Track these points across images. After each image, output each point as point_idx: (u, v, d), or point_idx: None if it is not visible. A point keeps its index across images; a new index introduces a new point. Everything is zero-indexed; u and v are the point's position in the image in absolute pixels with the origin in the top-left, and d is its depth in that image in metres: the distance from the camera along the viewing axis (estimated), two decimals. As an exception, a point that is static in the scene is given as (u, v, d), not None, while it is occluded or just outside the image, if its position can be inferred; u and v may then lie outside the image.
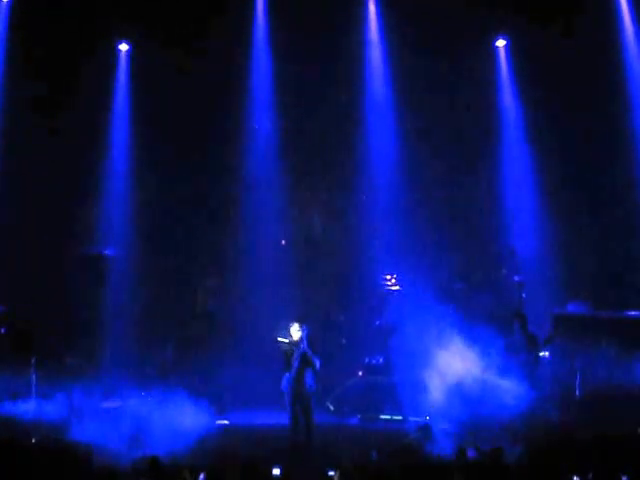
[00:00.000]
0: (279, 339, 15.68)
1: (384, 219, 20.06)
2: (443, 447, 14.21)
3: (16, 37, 19.80)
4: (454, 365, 17.21)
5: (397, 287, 19.75)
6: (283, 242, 20.68)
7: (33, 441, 14.94)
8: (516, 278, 19.40)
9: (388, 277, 19.84)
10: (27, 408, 17.23)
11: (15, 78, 19.76)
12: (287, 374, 15.60)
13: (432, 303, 18.15)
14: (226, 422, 17.51)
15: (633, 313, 18.78)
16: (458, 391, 16.70)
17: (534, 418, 15.58)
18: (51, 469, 12.31)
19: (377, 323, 19.54)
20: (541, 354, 15.57)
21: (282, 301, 19.55)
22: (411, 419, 17.15)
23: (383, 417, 17.78)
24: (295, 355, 15.55)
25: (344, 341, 19.55)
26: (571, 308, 18.97)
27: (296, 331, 15.65)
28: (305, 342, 15.55)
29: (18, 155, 19.62)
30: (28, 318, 19.20)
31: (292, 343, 15.62)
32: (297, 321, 15.78)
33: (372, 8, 20.33)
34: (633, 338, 18.11)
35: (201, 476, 11.65)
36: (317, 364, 15.56)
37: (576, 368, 17.08)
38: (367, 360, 19.01)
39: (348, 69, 20.03)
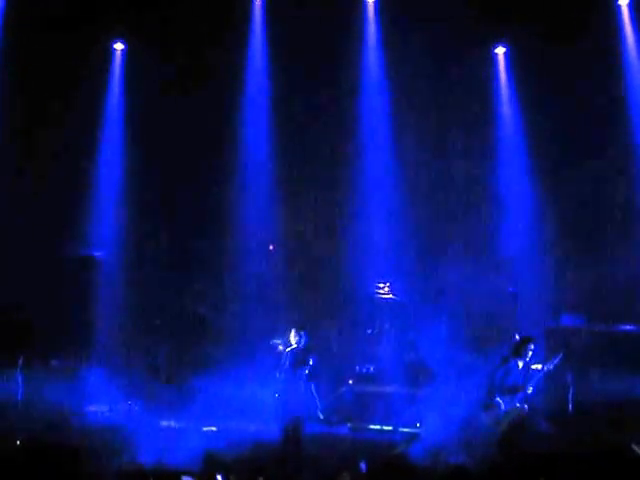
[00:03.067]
0: (274, 341, 15.54)
1: (378, 225, 19.96)
2: (431, 457, 14.12)
3: (9, 35, 19.68)
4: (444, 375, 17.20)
5: (390, 295, 19.64)
6: (271, 247, 20.54)
7: (18, 443, 14.82)
8: (510, 289, 19.29)
9: (381, 285, 19.72)
10: (13, 409, 17.13)
11: (8, 77, 19.60)
12: (281, 383, 15.42)
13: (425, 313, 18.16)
14: (214, 429, 17.35)
15: (627, 326, 18.73)
16: (447, 402, 16.68)
17: (525, 431, 15.42)
18: (36, 472, 12.18)
19: (368, 331, 19.42)
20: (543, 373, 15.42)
21: (273, 307, 19.47)
22: (401, 429, 17.11)
23: (373, 427, 17.63)
24: (286, 361, 15.38)
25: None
26: (565, 320, 18.91)
27: (293, 337, 15.48)
28: (301, 349, 15.39)
29: (10, 155, 19.48)
30: (17, 319, 19.12)
31: (286, 348, 15.44)
32: (296, 328, 15.59)
33: (371, 16, 20.27)
34: (627, 351, 18.07)
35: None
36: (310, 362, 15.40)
37: (569, 381, 16.97)
38: (357, 369, 18.89)
39: (346, 75, 19.99)
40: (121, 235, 20.31)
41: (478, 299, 19.46)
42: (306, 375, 15.36)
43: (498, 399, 15.16)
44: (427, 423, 16.57)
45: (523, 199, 20.13)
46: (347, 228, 20.27)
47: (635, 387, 17.31)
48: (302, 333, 15.50)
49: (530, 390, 15.16)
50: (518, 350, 15.45)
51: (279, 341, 15.56)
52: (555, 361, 15.37)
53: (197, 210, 20.47)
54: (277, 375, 15.50)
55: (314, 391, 15.46)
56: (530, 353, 15.34)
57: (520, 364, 15.27)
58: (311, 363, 15.35)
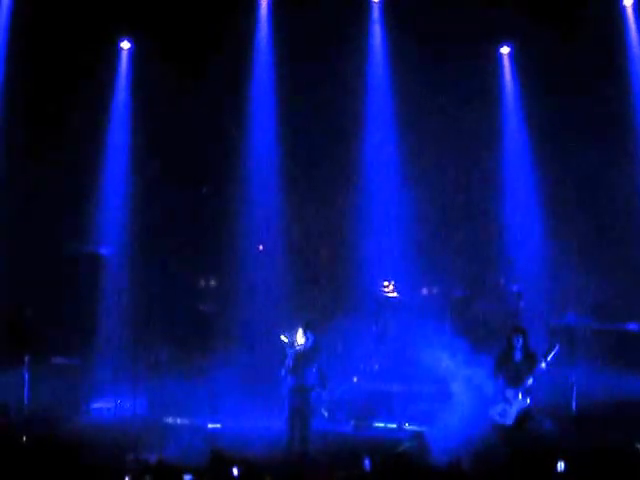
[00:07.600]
0: (281, 337, 15.49)
1: (383, 225, 19.99)
2: (437, 456, 14.12)
3: (16, 34, 19.73)
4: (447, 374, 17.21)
5: (395, 293, 19.66)
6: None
7: (24, 439, 14.87)
8: (515, 287, 19.30)
9: (386, 283, 19.74)
10: (19, 406, 17.18)
11: (15, 75, 19.65)
12: (288, 380, 15.41)
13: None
14: (219, 426, 17.38)
15: (632, 325, 18.73)
16: (451, 401, 16.70)
17: (527, 430, 15.42)
18: (43, 467, 12.23)
19: (373, 329, 19.45)
20: (542, 365, 15.36)
21: (278, 305, 19.50)
22: (405, 427, 17.16)
23: (377, 424, 17.67)
24: (292, 358, 15.36)
25: None
26: (570, 318, 18.91)
27: (300, 336, 15.44)
28: (309, 348, 15.37)
29: (16, 153, 19.53)
30: (22, 316, 19.17)
31: (292, 345, 15.40)
32: (303, 326, 15.57)
33: (375, 16, 20.29)
34: (632, 350, 18.09)
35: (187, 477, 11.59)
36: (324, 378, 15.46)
37: (572, 380, 16.97)
38: (362, 366, 18.91)
39: (352, 75, 19.97)
40: (126, 233, 20.34)
41: (483, 297, 19.52)
42: (313, 374, 15.37)
43: (506, 394, 15.20)
44: (432, 421, 16.58)
45: (528, 197, 20.16)
46: (352, 227, 20.29)
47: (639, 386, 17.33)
48: (309, 332, 15.48)
49: (530, 382, 15.17)
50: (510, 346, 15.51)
51: (286, 338, 15.51)
52: (553, 353, 15.35)
53: (204, 208, 20.52)
54: (283, 373, 15.50)
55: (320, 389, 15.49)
56: (519, 344, 15.35)
57: (519, 356, 15.32)
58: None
